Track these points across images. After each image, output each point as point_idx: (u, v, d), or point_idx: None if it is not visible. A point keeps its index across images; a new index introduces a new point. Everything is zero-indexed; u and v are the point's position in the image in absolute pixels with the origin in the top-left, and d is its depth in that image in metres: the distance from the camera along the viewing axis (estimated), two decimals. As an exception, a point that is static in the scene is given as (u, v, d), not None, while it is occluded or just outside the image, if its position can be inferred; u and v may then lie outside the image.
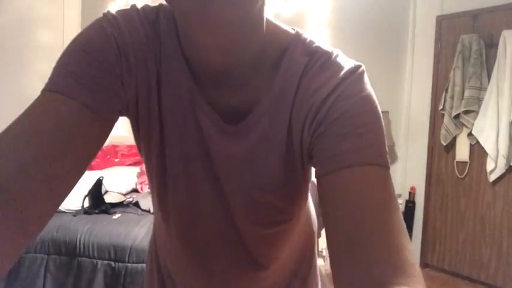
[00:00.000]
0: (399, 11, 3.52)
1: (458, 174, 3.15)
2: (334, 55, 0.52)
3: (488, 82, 2.91)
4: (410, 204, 3.42)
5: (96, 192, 2.15)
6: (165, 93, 0.53)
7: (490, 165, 2.89)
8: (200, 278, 0.67)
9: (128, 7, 0.52)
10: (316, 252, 0.79)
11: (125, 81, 0.50)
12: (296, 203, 0.60)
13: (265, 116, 0.52)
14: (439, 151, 3.28)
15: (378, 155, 0.46)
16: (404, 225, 0.43)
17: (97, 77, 0.46)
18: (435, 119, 3.26)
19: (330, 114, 0.48)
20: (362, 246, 0.41)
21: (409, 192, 3.44)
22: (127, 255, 1.79)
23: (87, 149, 0.46)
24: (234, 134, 0.53)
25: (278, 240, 0.64)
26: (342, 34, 3.49)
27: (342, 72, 0.50)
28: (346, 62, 0.51)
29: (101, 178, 2.20)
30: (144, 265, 1.75)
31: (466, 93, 2.98)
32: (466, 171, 3.10)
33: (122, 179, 2.56)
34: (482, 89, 2.95)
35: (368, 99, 0.49)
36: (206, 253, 0.64)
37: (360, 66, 0.51)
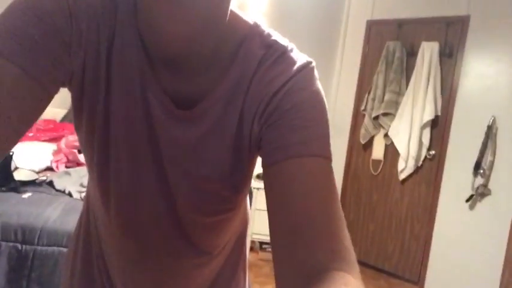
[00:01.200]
0: (333, 12, 3.66)
1: (372, 171, 3.40)
2: (289, 49, 0.53)
3: (406, 88, 3.16)
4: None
5: (5, 168, 1.96)
6: (115, 70, 0.50)
7: (401, 164, 3.16)
8: (137, 262, 0.65)
9: None
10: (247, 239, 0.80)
11: (72, 50, 0.47)
12: (240, 192, 0.60)
13: (219, 104, 0.52)
14: (357, 149, 3.50)
15: (323, 148, 0.49)
16: (343, 214, 0.46)
17: (42, 41, 0.43)
18: (357, 118, 3.47)
19: (280, 105, 0.49)
20: (306, 232, 0.43)
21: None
22: (36, 237, 1.67)
23: (22, 120, 0.42)
24: (184, 119, 0.52)
25: (220, 228, 0.64)
26: (279, 27, 3.53)
27: (295, 67, 0.51)
28: (300, 57, 0.53)
29: (11, 153, 2.01)
30: (55, 248, 1.65)
31: (386, 97, 3.21)
32: (379, 169, 3.35)
33: (35, 156, 2.36)
34: (400, 94, 3.20)
35: (317, 94, 0.52)
36: (146, 237, 0.62)
37: (311, 62, 0.53)
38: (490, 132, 2.75)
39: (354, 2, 3.62)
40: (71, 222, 1.73)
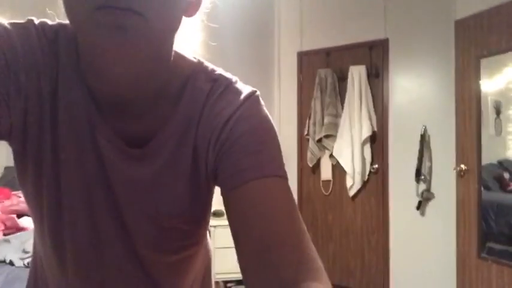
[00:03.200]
0: (265, 47, 3.84)
1: (324, 192, 3.48)
2: (233, 81, 0.56)
3: (342, 110, 3.34)
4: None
5: None
6: (60, 115, 0.49)
7: (349, 182, 3.27)
8: None
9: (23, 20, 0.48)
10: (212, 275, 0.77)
11: (11, 103, 0.45)
12: (201, 225, 0.60)
13: (170, 140, 0.52)
14: (307, 172, 3.59)
15: (278, 168, 0.51)
16: (305, 228, 0.47)
17: None
18: (302, 143, 3.58)
19: (232, 134, 0.50)
20: (271, 251, 0.44)
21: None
22: (-23, 317, 1.51)
23: None
24: (137, 158, 0.52)
25: (183, 267, 0.62)
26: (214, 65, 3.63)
27: (242, 97, 0.53)
28: (244, 88, 0.55)
29: None
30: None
31: (325, 120, 3.36)
32: (330, 189, 3.45)
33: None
34: (338, 116, 3.36)
35: (265, 119, 0.54)
36: (109, 285, 0.58)
37: (255, 91, 0.56)
38: (424, 140, 2.96)
39: (283, 36, 3.83)
40: (16, 293, 1.58)
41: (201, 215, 0.58)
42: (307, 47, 3.62)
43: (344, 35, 3.38)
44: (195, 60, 0.57)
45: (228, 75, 0.57)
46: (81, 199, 0.53)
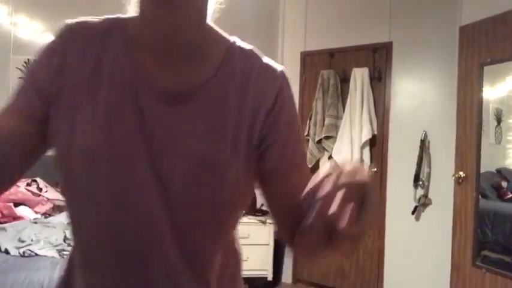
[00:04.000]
0: (268, 45, 3.83)
1: (322, 194, 3.47)
2: (264, 57, 0.65)
3: (344, 112, 3.34)
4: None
5: None
6: (104, 79, 0.58)
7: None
8: (123, 270, 0.60)
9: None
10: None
11: (56, 74, 0.59)
12: (235, 186, 0.59)
13: (212, 94, 0.59)
14: (305, 173, 3.58)
15: (304, 158, 0.69)
16: None
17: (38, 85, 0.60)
18: (302, 144, 3.58)
19: (282, 113, 0.61)
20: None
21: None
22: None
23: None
24: (178, 104, 0.57)
25: (212, 239, 0.62)
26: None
27: (281, 73, 0.64)
28: (278, 65, 0.65)
29: None
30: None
31: (326, 121, 3.36)
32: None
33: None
34: (339, 117, 3.36)
35: (294, 103, 0.65)
36: (137, 239, 0.58)
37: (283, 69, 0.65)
38: (424, 146, 2.96)
39: (287, 35, 3.82)
40: (9, 282, 1.58)
41: (235, 181, 0.59)
42: (311, 47, 3.61)
43: (348, 37, 3.38)
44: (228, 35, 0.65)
45: (256, 49, 0.66)
46: (117, 151, 0.56)
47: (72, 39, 0.60)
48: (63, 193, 0.62)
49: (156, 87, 0.57)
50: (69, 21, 0.63)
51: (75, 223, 0.62)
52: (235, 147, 0.58)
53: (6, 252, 1.84)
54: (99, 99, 0.57)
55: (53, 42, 0.61)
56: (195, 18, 0.59)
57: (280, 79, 0.62)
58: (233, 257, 0.70)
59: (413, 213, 2.99)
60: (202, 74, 0.59)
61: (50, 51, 0.60)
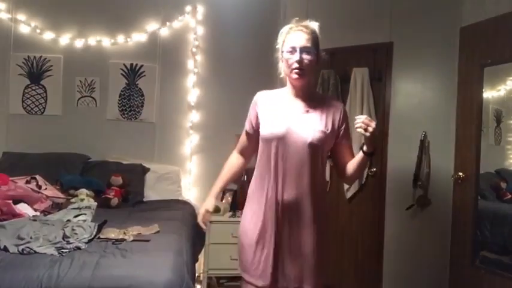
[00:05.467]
0: (269, 44, 3.83)
1: (321, 193, 3.48)
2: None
3: (343, 112, 3.33)
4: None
5: None
6: (274, 107, 1.70)
7: (346, 184, 3.27)
8: (286, 175, 1.60)
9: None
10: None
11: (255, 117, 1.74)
12: (322, 146, 1.63)
13: (320, 110, 1.66)
14: (305, 173, 3.58)
15: (351, 141, 1.77)
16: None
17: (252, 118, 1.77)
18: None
19: (344, 120, 1.70)
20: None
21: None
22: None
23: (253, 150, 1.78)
24: (306, 112, 1.65)
25: (315, 163, 1.60)
26: (220, 62, 3.65)
27: (341, 103, 1.79)
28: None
29: None
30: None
31: (326, 121, 3.35)
32: (327, 190, 3.45)
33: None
34: (338, 117, 3.36)
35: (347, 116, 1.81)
36: (292, 161, 1.59)
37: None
38: (423, 146, 2.96)
39: (287, 34, 3.82)
40: (8, 280, 1.58)
41: (329, 139, 1.64)
42: (312, 46, 3.60)
43: (348, 37, 3.37)
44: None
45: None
46: (286, 127, 1.60)
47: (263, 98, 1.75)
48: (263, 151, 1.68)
49: (297, 106, 1.67)
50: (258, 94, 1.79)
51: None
52: (329, 126, 1.64)
53: (5, 249, 1.84)
54: (276, 109, 1.69)
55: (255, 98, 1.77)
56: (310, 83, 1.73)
57: (341, 106, 1.71)
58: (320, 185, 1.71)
59: (407, 209, 2.97)
60: (313, 102, 1.67)
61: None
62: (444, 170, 2.83)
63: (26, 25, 3.56)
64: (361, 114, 3.17)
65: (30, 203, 2.55)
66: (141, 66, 3.76)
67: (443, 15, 2.93)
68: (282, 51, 1.63)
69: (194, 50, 3.78)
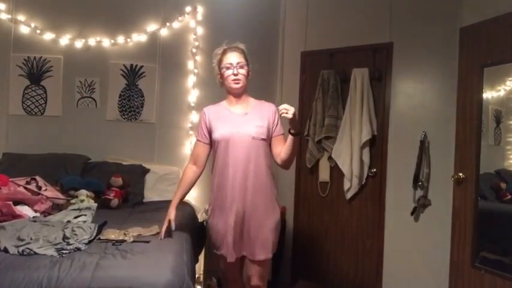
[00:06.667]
0: (269, 45, 3.83)
1: (321, 193, 3.49)
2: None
3: (343, 112, 3.34)
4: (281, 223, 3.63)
5: None
6: (220, 115, 2.19)
7: (346, 184, 3.28)
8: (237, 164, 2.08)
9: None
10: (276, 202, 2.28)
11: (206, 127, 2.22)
12: (264, 140, 2.14)
13: (255, 112, 2.17)
14: (305, 173, 3.60)
15: (283, 132, 2.22)
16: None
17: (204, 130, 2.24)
18: (301, 144, 3.58)
19: (275, 118, 2.20)
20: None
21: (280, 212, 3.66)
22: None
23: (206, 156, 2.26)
24: (243, 114, 2.16)
25: (258, 151, 2.11)
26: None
27: (272, 104, 2.28)
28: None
29: None
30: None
31: (326, 121, 3.36)
32: (327, 190, 3.45)
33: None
34: (338, 118, 3.37)
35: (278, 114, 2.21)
36: (240, 154, 2.08)
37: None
38: (423, 147, 2.96)
39: (287, 35, 3.83)
40: (8, 281, 1.57)
41: (266, 132, 2.14)
42: (311, 47, 3.61)
43: (348, 37, 3.38)
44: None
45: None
46: (229, 132, 2.11)
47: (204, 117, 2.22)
48: (218, 155, 2.16)
49: (235, 111, 2.18)
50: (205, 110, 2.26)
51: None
52: (264, 124, 2.14)
53: (5, 250, 1.84)
54: (220, 117, 2.19)
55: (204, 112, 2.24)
56: (245, 90, 2.21)
57: (273, 106, 2.21)
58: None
59: (412, 214, 2.99)
60: (248, 106, 2.20)
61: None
62: (444, 170, 2.83)
63: (26, 26, 3.55)
64: (361, 114, 3.19)
65: (30, 204, 2.55)
66: (141, 66, 3.76)
67: (443, 15, 2.93)
68: (222, 68, 2.12)
69: (194, 50, 3.78)
